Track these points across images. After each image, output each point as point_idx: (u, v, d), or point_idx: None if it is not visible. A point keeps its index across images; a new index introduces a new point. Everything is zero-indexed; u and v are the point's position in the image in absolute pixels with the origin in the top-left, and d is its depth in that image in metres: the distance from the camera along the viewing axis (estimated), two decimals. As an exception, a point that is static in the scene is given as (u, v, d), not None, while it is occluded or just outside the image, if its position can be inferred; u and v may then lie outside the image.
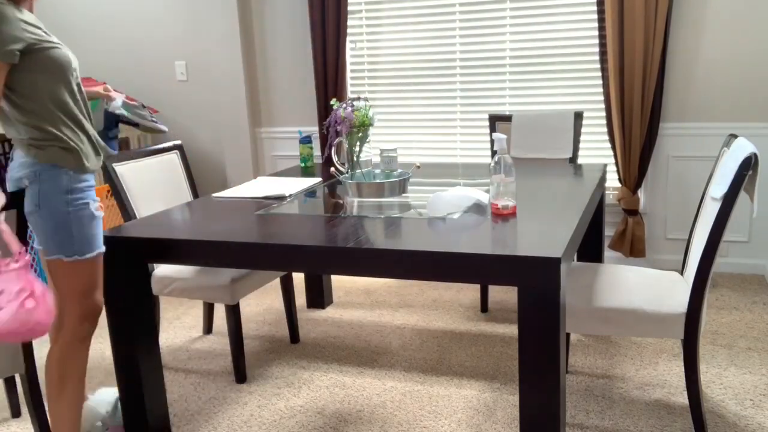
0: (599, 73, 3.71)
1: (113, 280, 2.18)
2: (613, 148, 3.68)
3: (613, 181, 3.76)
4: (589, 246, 2.99)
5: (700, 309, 2.05)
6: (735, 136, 2.26)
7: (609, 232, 3.84)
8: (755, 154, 1.92)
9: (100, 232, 2.03)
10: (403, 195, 2.53)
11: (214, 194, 2.70)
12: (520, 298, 1.75)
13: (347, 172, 2.59)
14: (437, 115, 4.15)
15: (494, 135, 2.15)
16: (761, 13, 3.45)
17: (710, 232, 1.99)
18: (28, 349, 2.10)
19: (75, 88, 2.00)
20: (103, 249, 2.04)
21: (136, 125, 2.43)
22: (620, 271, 2.44)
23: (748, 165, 1.91)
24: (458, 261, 1.78)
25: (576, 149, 3.29)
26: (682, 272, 2.43)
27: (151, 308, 2.28)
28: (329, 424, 2.40)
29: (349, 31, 4.18)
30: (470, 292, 3.66)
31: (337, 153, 3.21)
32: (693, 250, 2.28)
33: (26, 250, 1.83)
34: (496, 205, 2.16)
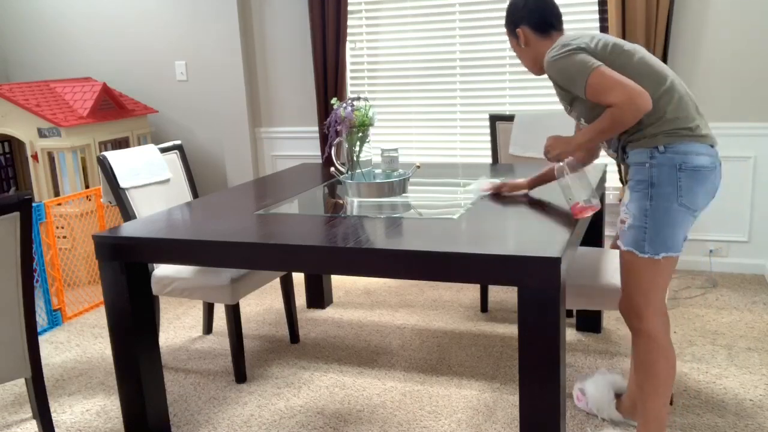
0: (599, 73, 3.70)
1: (113, 280, 2.18)
2: (613, 148, 3.68)
3: (614, 181, 3.76)
4: (590, 245, 2.99)
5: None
6: None
7: (610, 232, 3.84)
8: None
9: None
10: (403, 195, 2.53)
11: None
12: (520, 298, 1.75)
13: (347, 172, 2.59)
14: (437, 115, 4.14)
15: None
16: (762, 14, 3.45)
17: None
18: (34, 353, 2.10)
19: None
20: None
21: None
22: (590, 253, 2.62)
23: None
24: (458, 261, 1.78)
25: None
26: None
27: (151, 308, 2.28)
28: (329, 424, 2.40)
29: (349, 31, 4.18)
30: (470, 292, 3.66)
31: (337, 153, 3.20)
32: None
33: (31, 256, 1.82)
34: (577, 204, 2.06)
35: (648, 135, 1.90)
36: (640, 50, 1.99)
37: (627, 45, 1.98)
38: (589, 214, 2.05)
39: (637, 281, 1.96)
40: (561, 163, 2.07)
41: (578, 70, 1.91)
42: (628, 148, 1.97)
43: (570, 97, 2.05)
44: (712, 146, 1.92)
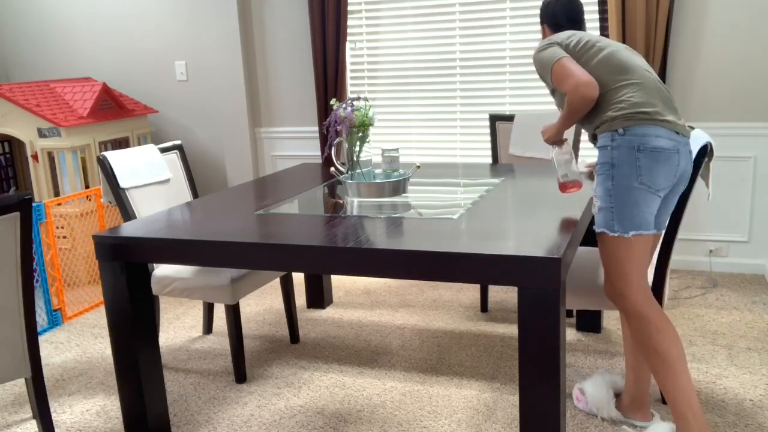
0: (599, 73, 3.70)
1: (113, 280, 2.18)
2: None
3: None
4: (590, 245, 2.99)
5: (663, 283, 2.29)
6: (691, 128, 2.39)
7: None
8: (710, 143, 2.13)
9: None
10: (403, 195, 2.53)
11: None
12: (520, 298, 1.75)
13: (347, 172, 2.59)
14: (437, 115, 4.15)
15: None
16: (762, 14, 3.45)
17: (672, 213, 2.20)
18: (34, 353, 2.10)
19: None
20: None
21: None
22: (590, 253, 2.66)
23: (705, 152, 2.12)
24: (458, 261, 1.78)
25: (576, 150, 3.29)
26: None
27: (151, 308, 2.28)
28: (329, 424, 2.40)
29: (349, 31, 4.18)
30: (470, 292, 3.66)
31: (337, 153, 3.20)
32: None
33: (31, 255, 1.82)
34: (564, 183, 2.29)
35: (608, 119, 2.02)
36: (614, 47, 2.12)
37: (603, 42, 2.13)
38: (572, 191, 2.28)
39: (614, 262, 2.04)
40: (553, 147, 2.30)
41: (548, 61, 2.12)
42: (597, 134, 2.10)
43: (550, 87, 2.23)
44: (677, 132, 1.99)
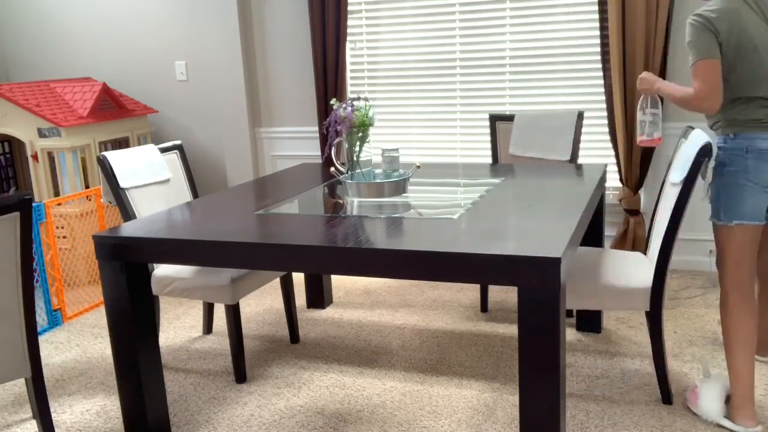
0: (600, 73, 3.71)
1: (113, 280, 2.18)
2: (615, 147, 3.68)
3: (614, 181, 3.76)
4: (590, 245, 2.99)
5: (663, 283, 2.33)
6: (692, 128, 2.44)
7: (611, 232, 3.84)
8: (710, 143, 2.18)
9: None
10: (403, 195, 2.53)
11: None
12: (520, 298, 1.75)
13: (347, 172, 2.59)
14: (437, 115, 4.15)
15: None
16: (761, 13, 3.44)
17: (672, 213, 2.25)
18: (34, 353, 2.10)
19: None
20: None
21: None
22: (590, 253, 2.66)
23: (705, 152, 2.17)
24: (458, 261, 1.78)
25: (576, 149, 3.29)
26: (645, 252, 2.66)
27: (151, 308, 2.28)
28: (329, 424, 2.40)
29: (349, 31, 4.18)
30: (470, 292, 3.66)
31: (337, 153, 3.20)
32: (655, 231, 2.53)
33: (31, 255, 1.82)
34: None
35: (723, 124, 2.22)
36: (763, 52, 2.13)
37: (755, 55, 2.12)
38: (649, 145, 2.52)
39: (719, 249, 2.26)
40: (647, 99, 2.44)
41: (695, 47, 2.14)
42: (714, 130, 2.28)
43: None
44: None
